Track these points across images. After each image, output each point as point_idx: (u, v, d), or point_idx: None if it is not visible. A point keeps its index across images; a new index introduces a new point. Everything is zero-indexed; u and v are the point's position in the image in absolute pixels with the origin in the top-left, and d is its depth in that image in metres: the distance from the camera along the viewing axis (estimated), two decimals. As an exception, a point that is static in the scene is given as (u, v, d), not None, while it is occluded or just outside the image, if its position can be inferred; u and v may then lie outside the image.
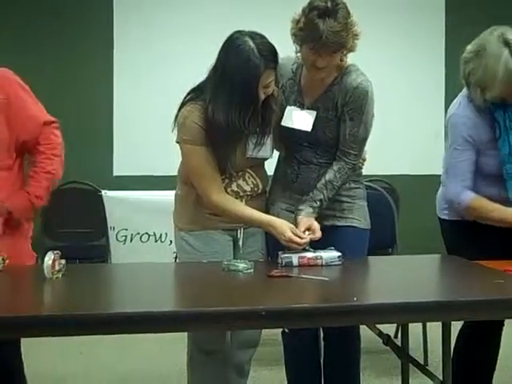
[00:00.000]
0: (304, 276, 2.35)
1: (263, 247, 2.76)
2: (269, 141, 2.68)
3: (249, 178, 2.70)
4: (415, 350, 3.52)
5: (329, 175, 2.68)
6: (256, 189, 2.72)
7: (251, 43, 2.50)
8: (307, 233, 2.56)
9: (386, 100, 3.67)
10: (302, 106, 2.71)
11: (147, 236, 4.72)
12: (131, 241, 4.72)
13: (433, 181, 3.24)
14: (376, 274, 2.70)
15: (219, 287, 2.27)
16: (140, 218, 4.66)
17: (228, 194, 2.65)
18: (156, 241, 4.71)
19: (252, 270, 2.41)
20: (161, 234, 4.69)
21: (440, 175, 2.91)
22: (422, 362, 3.25)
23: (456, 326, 2.81)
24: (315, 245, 2.57)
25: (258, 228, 2.69)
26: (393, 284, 2.42)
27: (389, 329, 2.86)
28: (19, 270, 2.46)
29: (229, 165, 2.62)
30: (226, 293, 2.19)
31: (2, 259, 2.37)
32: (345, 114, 2.66)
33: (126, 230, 4.71)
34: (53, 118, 2.68)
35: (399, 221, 4.21)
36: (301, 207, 2.65)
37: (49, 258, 2.23)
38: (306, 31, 2.51)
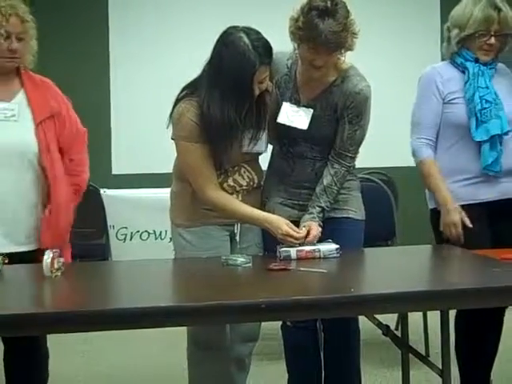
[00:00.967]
0: (302, 269, 2.36)
1: (260, 241, 2.77)
2: (264, 135, 2.68)
3: (244, 172, 2.71)
4: (416, 342, 3.52)
5: (326, 180, 2.68)
6: (252, 183, 2.73)
7: (246, 39, 2.50)
8: (304, 229, 2.58)
9: (383, 92, 3.67)
10: (297, 103, 2.71)
11: (147, 234, 4.71)
12: (131, 239, 4.70)
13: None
14: (373, 265, 2.71)
15: (219, 281, 2.28)
16: (140, 216, 4.64)
17: (224, 188, 2.66)
18: (156, 238, 4.70)
19: (250, 264, 2.42)
20: (161, 232, 4.67)
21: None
22: (423, 352, 3.27)
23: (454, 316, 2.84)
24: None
25: (255, 223, 2.70)
26: (390, 274, 2.43)
27: (389, 322, 2.86)
28: (19, 270, 2.47)
29: (225, 160, 2.63)
30: (225, 287, 2.20)
31: (2, 259, 2.37)
32: (344, 117, 2.66)
33: (126, 228, 4.69)
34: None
35: (398, 213, 4.22)
36: (305, 215, 2.67)
37: (48, 257, 2.24)
38: (305, 31, 2.49)
